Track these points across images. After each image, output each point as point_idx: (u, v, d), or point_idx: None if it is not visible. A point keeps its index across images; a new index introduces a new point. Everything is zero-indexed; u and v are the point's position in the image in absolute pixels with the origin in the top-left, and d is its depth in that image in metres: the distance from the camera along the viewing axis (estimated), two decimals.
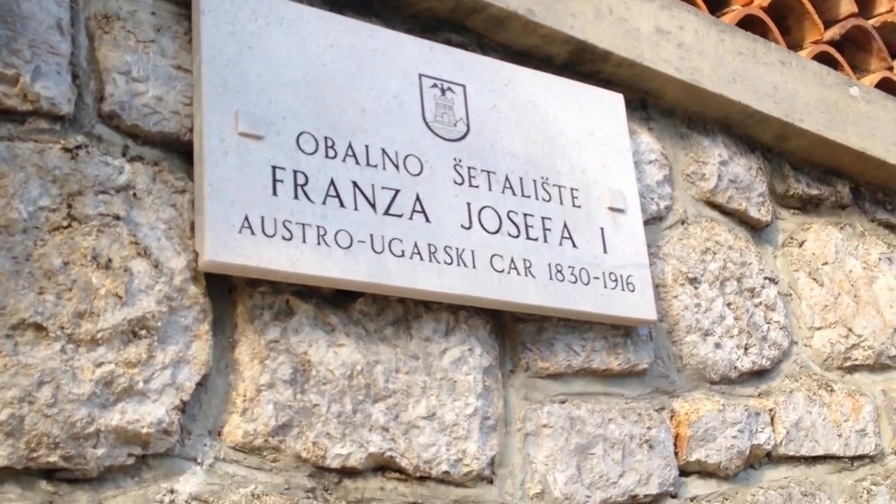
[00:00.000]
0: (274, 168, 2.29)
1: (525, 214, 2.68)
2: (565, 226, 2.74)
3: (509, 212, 2.65)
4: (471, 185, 2.61)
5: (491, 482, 2.49)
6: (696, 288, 3.12)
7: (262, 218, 2.23)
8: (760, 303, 3.30)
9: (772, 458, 3.16)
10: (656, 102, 3.29)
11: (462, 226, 2.55)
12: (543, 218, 2.71)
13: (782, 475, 3.16)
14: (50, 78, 2.10)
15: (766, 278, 3.37)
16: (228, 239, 2.17)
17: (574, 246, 2.74)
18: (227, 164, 2.23)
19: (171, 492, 2.04)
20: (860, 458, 3.39)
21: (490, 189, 2.64)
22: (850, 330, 3.55)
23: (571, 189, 2.81)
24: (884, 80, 4.09)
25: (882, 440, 3.48)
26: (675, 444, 2.89)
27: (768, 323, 3.30)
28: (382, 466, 2.34)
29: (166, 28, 2.34)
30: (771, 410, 3.18)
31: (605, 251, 2.79)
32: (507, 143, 2.74)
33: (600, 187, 2.87)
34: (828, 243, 3.65)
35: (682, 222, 3.21)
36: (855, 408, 3.42)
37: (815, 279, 3.55)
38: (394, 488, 2.34)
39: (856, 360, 3.55)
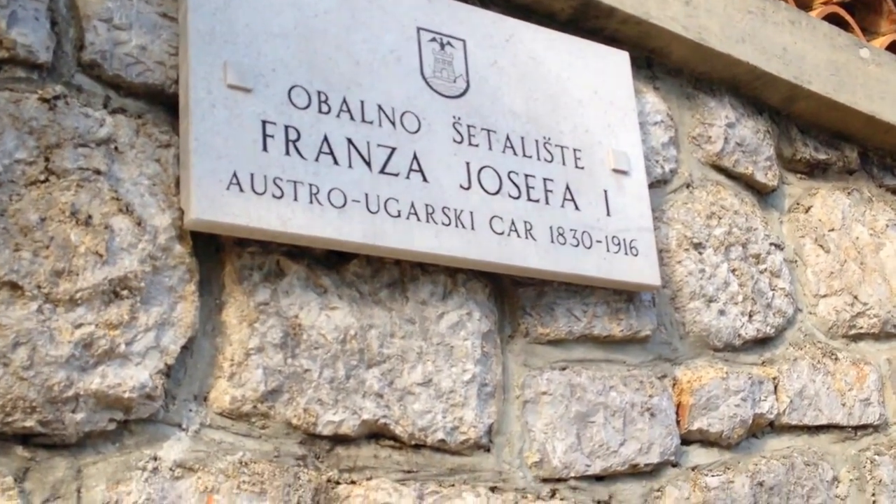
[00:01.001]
0: (264, 122, 2.19)
1: (526, 175, 2.58)
2: (567, 187, 2.65)
3: (510, 172, 2.55)
4: (470, 144, 2.52)
5: (488, 450, 2.41)
6: (700, 253, 3.03)
7: (252, 175, 2.13)
8: (765, 269, 3.22)
9: (775, 427, 3.09)
10: (662, 61, 3.19)
11: (461, 186, 2.45)
12: (545, 179, 2.62)
13: (785, 444, 3.09)
14: (27, 24, 2.00)
15: (771, 244, 3.28)
16: (216, 196, 2.08)
17: (576, 208, 2.65)
18: (215, 118, 2.13)
19: (155, 458, 1.96)
20: (864, 427, 3.33)
21: (490, 148, 2.55)
22: (855, 298, 3.47)
23: (574, 150, 2.71)
24: (894, 43, 3.99)
25: (886, 410, 3.42)
26: (676, 413, 2.82)
27: (773, 290, 3.22)
28: (376, 434, 2.26)
29: None
30: (774, 379, 3.11)
31: (608, 214, 2.71)
32: (508, 101, 2.64)
33: (604, 148, 2.78)
34: (835, 209, 3.56)
35: (688, 186, 3.12)
36: (859, 377, 3.35)
37: (821, 246, 3.46)
38: (388, 456, 2.26)
39: (861, 328, 3.47)
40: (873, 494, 3.23)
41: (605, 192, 2.73)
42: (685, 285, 2.96)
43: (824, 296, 3.42)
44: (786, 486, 2.97)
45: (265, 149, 2.17)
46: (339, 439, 2.20)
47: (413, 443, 2.29)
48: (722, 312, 3.03)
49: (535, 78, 2.72)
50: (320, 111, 2.29)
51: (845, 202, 3.62)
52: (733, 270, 3.11)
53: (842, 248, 3.52)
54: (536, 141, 2.65)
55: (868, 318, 3.48)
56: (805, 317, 3.36)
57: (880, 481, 3.25)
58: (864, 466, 3.25)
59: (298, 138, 2.23)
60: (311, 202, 2.19)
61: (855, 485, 3.19)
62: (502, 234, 2.47)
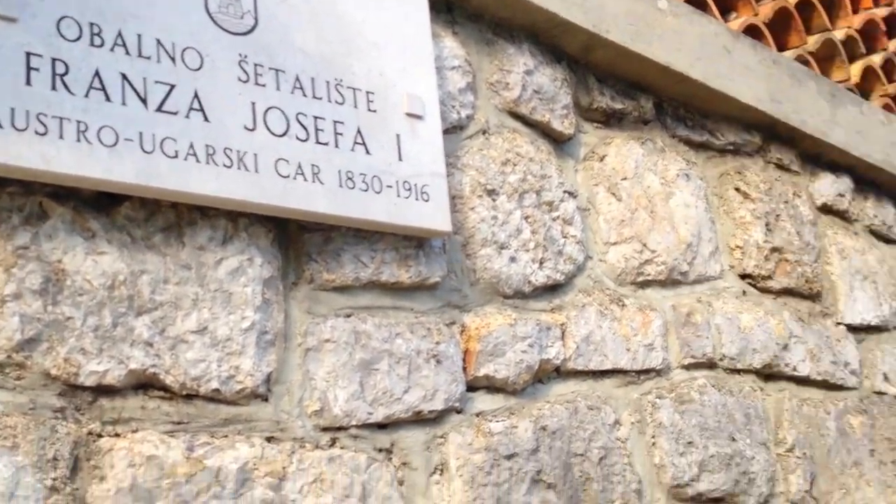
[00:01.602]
0: (28, 55, 2.05)
1: (315, 117, 2.51)
2: (359, 131, 2.59)
3: (298, 114, 2.48)
4: (257, 84, 2.43)
5: (266, 400, 2.36)
6: (493, 200, 3.03)
7: (13, 109, 2.00)
8: (558, 217, 3.25)
9: (560, 372, 3.13)
10: (462, 6, 3.14)
11: (245, 127, 2.36)
12: (335, 122, 2.55)
13: (570, 389, 3.14)
14: None
15: (565, 192, 3.31)
16: None
17: (367, 152, 2.59)
18: None
19: None
20: (647, 371, 3.41)
21: (278, 89, 2.46)
22: (644, 245, 3.54)
23: (367, 92, 2.65)
24: None
25: (669, 355, 3.51)
26: (464, 360, 2.82)
27: (565, 237, 3.25)
28: (144, 384, 2.17)
29: None
30: (562, 325, 3.15)
31: (400, 159, 2.66)
32: (298, 39, 2.55)
33: (398, 92, 2.72)
34: (628, 158, 3.61)
35: (484, 132, 3.10)
36: (644, 322, 3.43)
37: (613, 194, 3.51)
38: (156, 407, 2.18)
39: (648, 275, 3.55)
40: (653, 436, 3.32)
41: (398, 136, 2.68)
42: (477, 232, 2.96)
43: (615, 243, 3.48)
44: (568, 429, 3.02)
45: (29, 83, 2.04)
46: (103, 390, 2.10)
47: (185, 393, 2.22)
48: (513, 259, 3.04)
49: (328, 17, 2.64)
50: (92, 44, 2.16)
51: (639, 151, 3.67)
52: (526, 217, 3.12)
53: (633, 197, 3.58)
54: (327, 82, 2.57)
55: (655, 266, 3.56)
56: (595, 264, 3.41)
57: (660, 424, 3.35)
58: (646, 410, 3.34)
59: (67, 72, 2.10)
60: (78, 140, 2.07)
61: (636, 427, 3.28)
62: (288, 177, 2.40)
